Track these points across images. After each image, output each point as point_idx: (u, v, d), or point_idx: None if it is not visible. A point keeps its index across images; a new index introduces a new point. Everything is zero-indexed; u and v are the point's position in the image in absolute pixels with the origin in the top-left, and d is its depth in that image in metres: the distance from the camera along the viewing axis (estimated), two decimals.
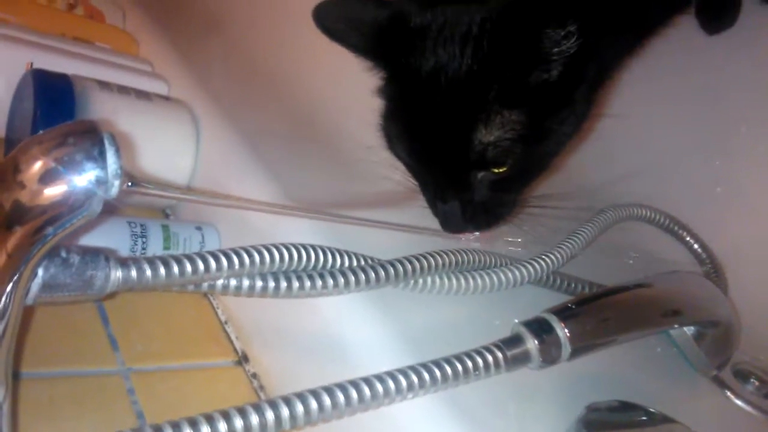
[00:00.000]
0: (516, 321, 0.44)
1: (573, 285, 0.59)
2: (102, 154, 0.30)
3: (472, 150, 0.53)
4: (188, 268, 0.36)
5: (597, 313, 0.47)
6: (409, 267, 0.46)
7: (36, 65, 0.64)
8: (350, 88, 0.71)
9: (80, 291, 0.33)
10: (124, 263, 0.35)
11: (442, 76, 0.53)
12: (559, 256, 0.56)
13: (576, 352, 0.43)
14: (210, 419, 0.32)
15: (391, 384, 0.37)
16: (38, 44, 0.69)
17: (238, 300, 0.53)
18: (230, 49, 0.87)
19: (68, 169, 0.30)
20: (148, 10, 0.90)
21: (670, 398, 0.52)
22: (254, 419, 0.33)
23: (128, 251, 0.53)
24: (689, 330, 0.56)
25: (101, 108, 0.60)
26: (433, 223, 0.58)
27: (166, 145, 0.65)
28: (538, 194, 0.63)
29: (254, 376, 0.52)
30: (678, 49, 0.81)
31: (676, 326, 0.56)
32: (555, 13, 0.50)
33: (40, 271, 0.32)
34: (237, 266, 0.38)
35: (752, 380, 0.59)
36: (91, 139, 0.30)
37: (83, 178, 0.30)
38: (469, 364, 0.40)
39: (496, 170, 0.55)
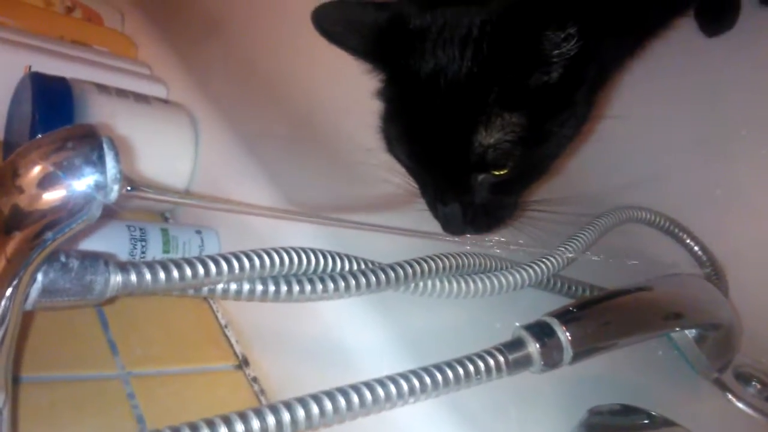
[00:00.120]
0: (517, 324, 0.44)
1: (574, 288, 0.59)
2: (101, 159, 0.30)
3: (472, 152, 0.53)
4: (188, 272, 0.36)
5: (598, 316, 0.47)
6: (409, 270, 0.46)
7: (34, 68, 0.64)
8: (349, 91, 0.71)
9: (80, 296, 0.33)
10: (123, 268, 0.34)
11: (441, 79, 0.53)
12: (560, 258, 0.56)
13: (578, 356, 0.43)
14: (211, 424, 0.32)
15: (393, 388, 0.37)
16: (36, 47, 0.69)
17: (238, 304, 0.53)
18: (229, 52, 0.87)
19: (67, 173, 0.29)
20: (147, 13, 0.90)
21: (671, 401, 0.52)
22: (255, 424, 0.33)
23: (128, 255, 0.53)
24: (690, 333, 0.56)
25: (100, 111, 0.59)
26: (434, 225, 0.58)
27: (165, 148, 0.64)
28: (538, 197, 0.63)
29: (255, 380, 0.52)
30: (678, 51, 0.81)
31: (677, 329, 0.56)
32: (555, 15, 0.50)
33: (40, 276, 0.32)
34: (237, 270, 0.38)
35: (754, 383, 0.59)
36: (90, 143, 0.30)
37: (82, 182, 0.30)
38: (471, 367, 0.40)
39: (496, 173, 0.55)
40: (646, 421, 0.44)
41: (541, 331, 0.43)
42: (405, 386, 0.38)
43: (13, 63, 0.65)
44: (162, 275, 0.35)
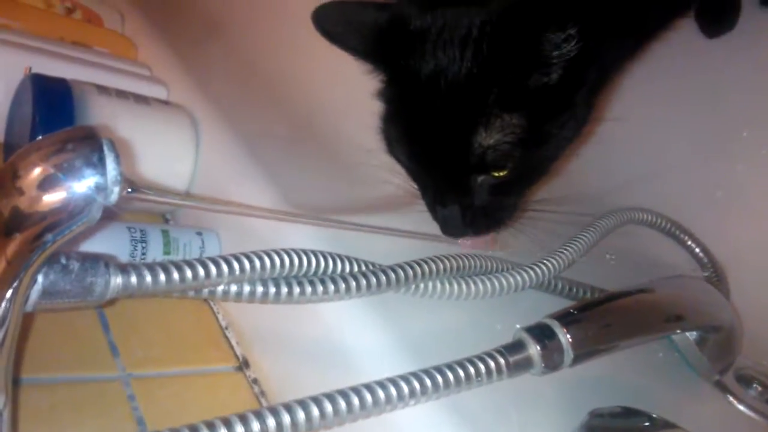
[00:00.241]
0: (518, 326, 0.44)
1: (575, 290, 0.58)
2: (101, 161, 0.30)
3: (471, 153, 0.53)
4: (188, 274, 0.36)
5: (599, 318, 0.47)
6: (410, 272, 0.46)
7: (34, 70, 0.64)
8: (350, 91, 0.71)
9: (80, 297, 0.33)
10: (124, 269, 0.34)
11: (441, 79, 0.53)
12: (560, 260, 0.56)
13: (578, 358, 0.43)
14: (211, 426, 0.32)
15: (393, 390, 0.37)
16: (36, 49, 0.69)
17: (238, 305, 0.53)
18: (229, 53, 0.87)
19: (67, 175, 0.29)
20: (147, 14, 0.90)
21: (672, 403, 0.52)
22: (255, 426, 0.33)
23: (128, 257, 0.53)
24: (691, 335, 0.56)
25: (100, 112, 0.59)
26: (435, 227, 0.58)
27: (165, 149, 0.64)
28: (538, 198, 0.63)
29: (255, 381, 0.52)
30: (678, 53, 0.81)
31: (678, 331, 0.56)
32: (555, 16, 0.50)
33: (40, 278, 0.32)
34: (237, 272, 0.38)
35: (755, 385, 0.59)
36: (91, 145, 0.30)
37: (82, 184, 0.30)
38: (471, 370, 0.40)
39: (496, 174, 0.55)
40: (647, 424, 0.44)
41: (541, 333, 0.43)
42: (405, 388, 0.38)
43: (13, 64, 0.65)
44: (162, 277, 0.35)
